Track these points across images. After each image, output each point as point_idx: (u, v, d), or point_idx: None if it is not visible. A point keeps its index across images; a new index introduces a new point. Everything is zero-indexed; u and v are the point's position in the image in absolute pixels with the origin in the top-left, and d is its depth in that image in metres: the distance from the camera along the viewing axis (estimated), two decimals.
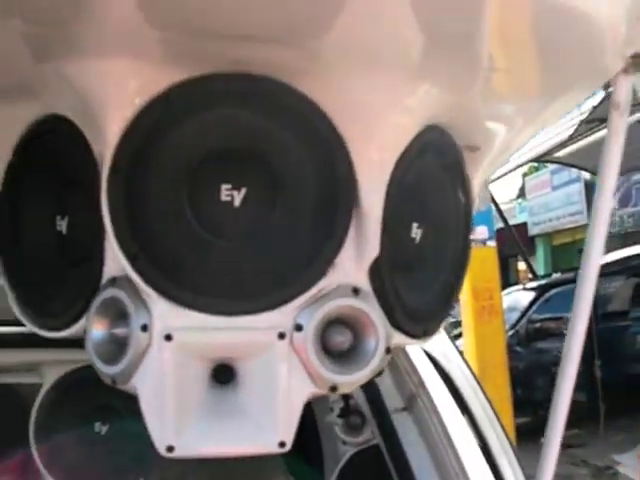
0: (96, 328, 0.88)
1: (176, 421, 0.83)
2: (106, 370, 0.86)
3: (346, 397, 1.72)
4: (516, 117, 0.96)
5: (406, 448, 1.52)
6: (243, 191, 0.85)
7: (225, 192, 0.85)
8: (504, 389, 7.07)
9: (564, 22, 0.66)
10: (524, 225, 18.93)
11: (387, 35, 0.72)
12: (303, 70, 0.82)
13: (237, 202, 0.85)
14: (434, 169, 0.99)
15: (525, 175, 19.58)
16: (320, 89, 0.83)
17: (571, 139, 8.21)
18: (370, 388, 1.56)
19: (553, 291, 9.89)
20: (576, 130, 7.69)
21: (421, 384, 1.52)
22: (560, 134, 8.23)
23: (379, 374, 1.54)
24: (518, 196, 21.32)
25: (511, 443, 1.84)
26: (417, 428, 1.52)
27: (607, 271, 9.95)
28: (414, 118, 0.87)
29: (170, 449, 0.82)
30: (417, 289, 0.99)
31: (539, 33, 0.72)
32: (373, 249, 0.87)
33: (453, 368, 1.81)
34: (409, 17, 0.68)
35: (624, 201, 15.17)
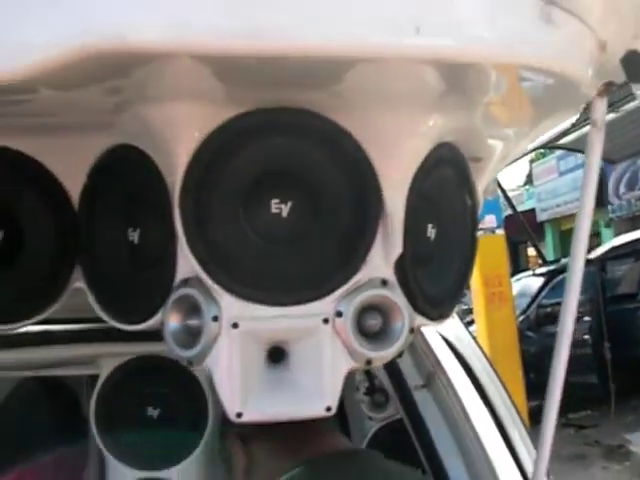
0: (172, 321, 1.07)
1: (242, 393, 1.02)
2: (183, 354, 1.06)
3: (371, 377, 1.91)
4: (511, 134, 1.15)
5: (427, 421, 1.70)
6: (289, 204, 1.04)
7: (274, 205, 1.04)
8: (516, 373, 7.23)
9: (546, 76, 0.85)
10: (532, 211, 19.04)
11: (398, 80, 0.91)
12: (334, 104, 1.00)
13: (285, 213, 1.04)
14: (445, 178, 1.18)
15: (532, 162, 19.67)
16: (349, 119, 1.02)
17: (574, 126, 8.35)
18: (392, 368, 1.75)
19: (562, 276, 9.97)
20: (579, 117, 7.82)
21: (438, 363, 1.71)
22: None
23: (400, 355, 1.75)
24: (526, 183, 21.42)
25: (521, 418, 2.03)
26: (436, 403, 1.71)
27: (616, 254, 10.08)
28: (427, 140, 1.06)
29: (239, 415, 1.02)
30: (434, 279, 1.18)
31: (527, 82, 0.91)
32: (397, 247, 1.06)
33: (465, 349, 2.01)
34: (410, 71, 0.86)
35: (631, 185, 15.26)
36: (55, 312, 1.24)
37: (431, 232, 1.17)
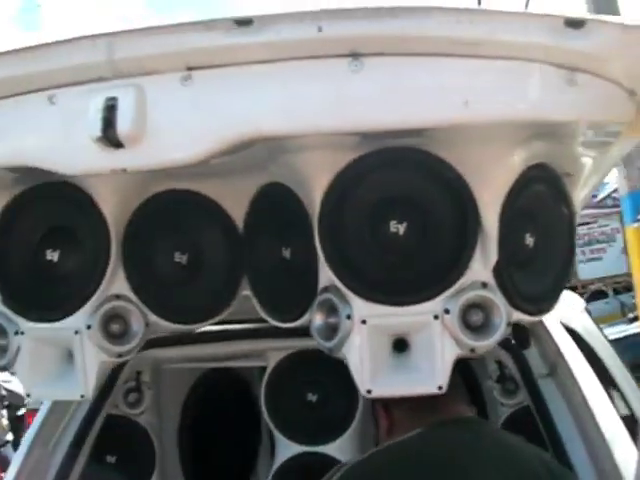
0: (317, 319, 1.36)
1: (371, 374, 1.29)
2: (325, 345, 1.35)
3: (501, 366, 2.11)
4: (594, 156, 1.35)
5: (550, 407, 1.87)
6: (405, 224, 1.29)
7: (393, 226, 1.30)
8: None
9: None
10: None
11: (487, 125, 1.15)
12: (435, 143, 1.25)
13: (401, 232, 1.30)
14: (540, 193, 1.38)
15: None
16: (449, 153, 1.26)
17: None
18: (519, 358, 1.94)
19: None
20: None
21: (560, 354, 1.88)
22: None
23: (526, 346, 1.95)
24: None
25: None
26: (559, 390, 1.88)
27: None
28: (515, 166, 1.28)
29: (369, 391, 1.29)
30: (534, 280, 1.38)
31: None
32: (493, 255, 1.29)
33: (593, 340, 2.16)
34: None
35: None
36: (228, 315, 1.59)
37: (529, 240, 1.38)
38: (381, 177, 1.31)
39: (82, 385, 1.40)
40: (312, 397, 2.31)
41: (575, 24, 0.90)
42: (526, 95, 1.00)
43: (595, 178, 1.54)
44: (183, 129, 1.04)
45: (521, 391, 2.08)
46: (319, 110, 1.02)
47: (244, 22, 0.92)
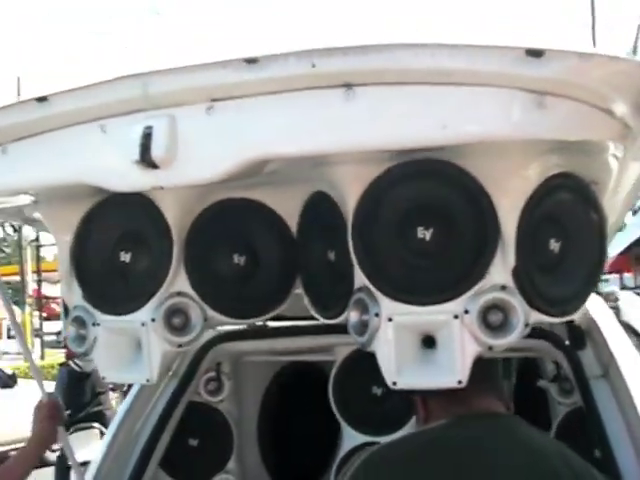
0: (352, 317, 1.50)
1: (396, 368, 1.41)
2: (359, 340, 1.48)
3: (558, 366, 2.15)
4: (616, 165, 1.41)
5: (600, 408, 1.89)
6: (431, 230, 1.40)
7: (420, 231, 1.41)
8: None
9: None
10: None
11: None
12: (461, 155, 1.36)
13: (428, 237, 1.41)
14: (565, 200, 1.45)
15: None
16: (470, 164, 1.36)
17: None
18: (573, 359, 1.99)
19: None
20: None
21: (612, 356, 1.91)
22: None
23: (581, 347, 1.99)
24: None
25: None
26: (612, 392, 1.91)
27: None
28: (534, 176, 1.36)
29: (394, 383, 1.42)
30: (559, 284, 1.45)
31: None
32: (511, 260, 1.37)
33: None
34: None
35: None
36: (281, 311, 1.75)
37: (554, 245, 1.45)
38: (408, 187, 1.42)
39: (148, 370, 1.60)
40: (377, 390, 2.44)
41: (535, 54, 0.99)
42: (499, 118, 1.10)
43: (627, 185, 1.58)
44: (208, 152, 1.21)
45: (578, 392, 2.11)
46: (320, 134, 1.16)
47: (251, 60, 1.08)
